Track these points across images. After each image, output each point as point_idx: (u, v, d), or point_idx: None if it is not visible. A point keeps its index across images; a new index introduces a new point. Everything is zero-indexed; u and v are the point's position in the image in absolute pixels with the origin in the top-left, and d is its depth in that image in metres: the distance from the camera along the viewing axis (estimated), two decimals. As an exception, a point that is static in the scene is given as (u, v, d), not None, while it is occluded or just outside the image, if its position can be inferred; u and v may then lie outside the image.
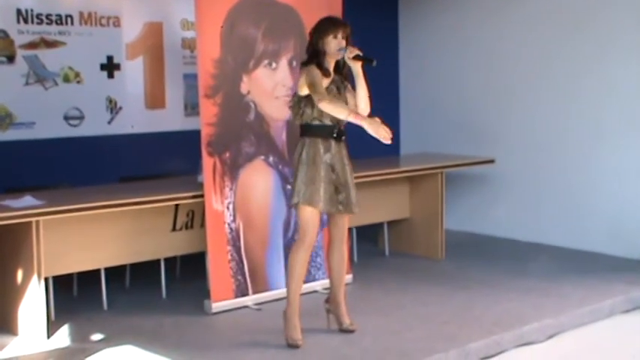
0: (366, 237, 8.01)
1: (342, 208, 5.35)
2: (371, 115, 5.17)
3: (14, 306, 5.57)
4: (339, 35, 5.23)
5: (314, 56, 5.28)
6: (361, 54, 5.23)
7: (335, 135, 5.29)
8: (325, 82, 5.23)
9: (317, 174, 5.26)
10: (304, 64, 5.30)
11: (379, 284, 6.82)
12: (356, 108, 5.28)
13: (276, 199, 6.30)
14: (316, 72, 5.19)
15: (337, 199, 5.32)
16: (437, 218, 7.63)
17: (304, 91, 5.23)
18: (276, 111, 6.28)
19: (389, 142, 5.04)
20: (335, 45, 5.22)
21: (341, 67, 5.34)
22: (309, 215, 5.29)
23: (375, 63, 5.15)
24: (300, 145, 5.34)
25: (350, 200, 5.37)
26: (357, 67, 5.23)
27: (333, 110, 5.09)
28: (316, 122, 5.27)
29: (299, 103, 5.29)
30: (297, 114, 5.31)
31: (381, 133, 5.00)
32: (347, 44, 5.25)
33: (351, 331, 5.53)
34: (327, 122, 5.26)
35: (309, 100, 5.22)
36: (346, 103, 5.30)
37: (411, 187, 7.78)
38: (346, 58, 5.21)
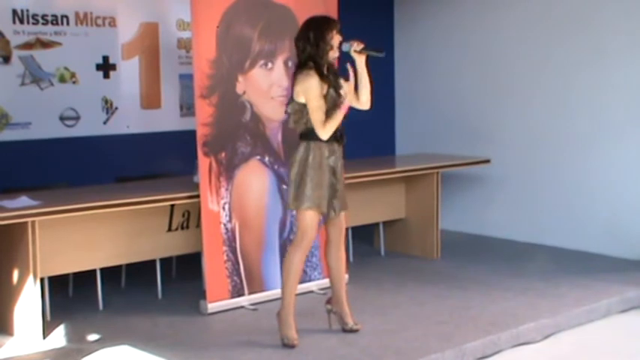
0: (362, 237, 8.01)
1: (336, 211, 5.38)
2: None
3: (10, 306, 5.56)
4: (338, 31, 5.24)
5: (311, 57, 5.20)
6: (365, 48, 5.26)
7: (339, 138, 5.30)
8: (324, 88, 5.20)
9: (322, 178, 5.26)
10: (301, 69, 5.22)
11: (375, 284, 6.82)
12: (354, 99, 5.35)
13: (272, 199, 6.30)
14: (315, 86, 5.14)
15: (332, 202, 5.33)
16: (433, 218, 7.63)
17: (302, 99, 5.19)
18: (272, 111, 6.27)
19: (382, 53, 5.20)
20: (337, 40, 5.22)
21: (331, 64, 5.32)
22: (312, 218, 5.28)
23: (383, 54, 5.22)
24: (305, 149, 5.26)
25: (343, 201, 5.41)
26: (361, 61, 5.26)
27: (335, 125, 5.20)
28: None
29: (301, 110, 5.23)
30: (301, 121, 5.25)
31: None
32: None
33: (356, 331, 5.53)
34: None
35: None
36: (342, 96, 5.28)
37: (406, 187, 7.78)
38: (352, 52, 5.23)
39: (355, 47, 5.22)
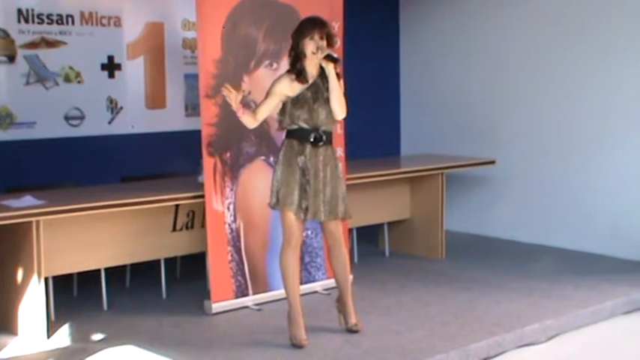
0: (367, 238, 8.00)
1: (308, 216, 5.30)
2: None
3: (14, 306, 5.56)
4: (316, 36, 5.18)
5: (295, 61, 5.27)
6: (333, 54, 5.18)
7: (311, 140, 5.27)
8: (298, 88, 5.23)
9: (291, 176, 5.26)
10: (287, 71, 5.34)
11: (380, 285, 6.82)
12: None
13: (277, 199, 6.29)
14: (279, 85, 5.27)
15: (302, 203, 5.28)
16: (437, 219, 7.63)
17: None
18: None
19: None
20: (312, 47, 5.18)
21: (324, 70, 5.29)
22: (288, 217, 5.29)
23: (338, 62, 5.18)
24: (281, 146, 5.40)
25: (317, 208, 5.29)
26: (329, 68, 5.17)
27: (245, 122, 5.35)
28: (293, 127, 5.29)
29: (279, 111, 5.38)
30: (278, 122, 5.41)
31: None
32: (328, 45, 5.21)
33: (355, 332, 5.53)
34: (304, 126, 5.26)
35: (282, 108, 5.31)
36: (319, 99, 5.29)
37: (411, 187, 7.77)
38: (318, 59, 5.19)
39: (319, 55, 5.17)
